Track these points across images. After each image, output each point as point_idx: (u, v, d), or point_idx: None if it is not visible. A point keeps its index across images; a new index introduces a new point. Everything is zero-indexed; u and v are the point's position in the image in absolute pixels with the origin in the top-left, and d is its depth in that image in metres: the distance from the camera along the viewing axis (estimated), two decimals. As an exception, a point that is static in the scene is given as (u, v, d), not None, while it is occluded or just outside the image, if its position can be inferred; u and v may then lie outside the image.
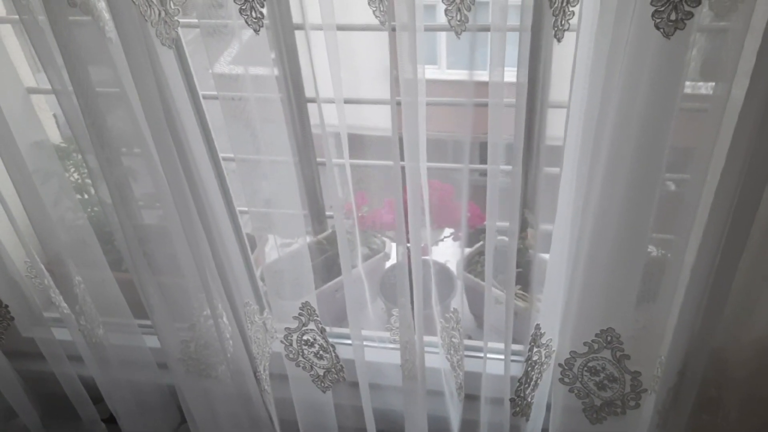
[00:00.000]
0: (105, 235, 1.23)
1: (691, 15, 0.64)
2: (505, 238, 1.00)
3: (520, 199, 0.93)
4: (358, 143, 1.16)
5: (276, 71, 0.92)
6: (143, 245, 1.09)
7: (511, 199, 0.91)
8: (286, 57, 1.17)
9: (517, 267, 1.00)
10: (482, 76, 0.83)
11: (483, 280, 1.25)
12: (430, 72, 0.83)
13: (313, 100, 1.14)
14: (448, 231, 1.34)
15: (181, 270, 1.11)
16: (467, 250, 1.35)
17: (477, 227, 1.27)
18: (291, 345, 1.13)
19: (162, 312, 1.15)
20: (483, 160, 0.92)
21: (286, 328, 1.11)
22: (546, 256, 0.99)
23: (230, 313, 1.16)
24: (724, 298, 0.86)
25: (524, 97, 0.79)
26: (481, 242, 1.38)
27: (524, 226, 1.17)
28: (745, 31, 0.67)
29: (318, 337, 1.11)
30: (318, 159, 1.35)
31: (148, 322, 1.24)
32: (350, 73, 0.94)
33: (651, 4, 0.64)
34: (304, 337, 1.11)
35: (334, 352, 1.13)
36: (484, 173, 0.97)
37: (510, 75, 0.78)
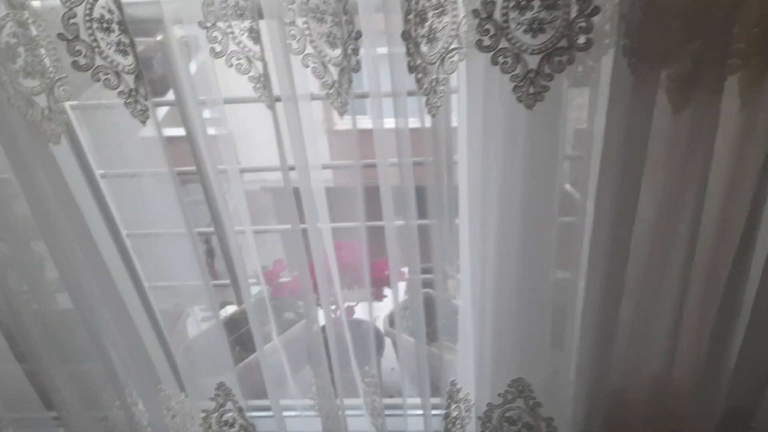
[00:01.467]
0: (9, 325, 1.18)
1: (547, 88, 0.69)
2: (430, 291, 1.03)
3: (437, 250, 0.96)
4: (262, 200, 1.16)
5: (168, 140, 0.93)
6: (51, 333, 1.05)
7: (410, 250, 0.93)
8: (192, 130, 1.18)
9: (442, 318, 1.03)
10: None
11: (410, 334, 1.27)
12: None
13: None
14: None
15: (90, 357, 1.07)
16: (391, 308, 1.37)
17: (387, 282, 1.28)
18: (210, 427, 1.11)
19: (74, 404, 1.11)
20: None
21: (204, 410, 1.09)
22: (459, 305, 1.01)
23: (146, 398, 1.13)
24: (613, 338, 0.91)
25: (408, 155, 0.83)
26: (406, 296, 1.39)
27: (445, 277, 1.19)
28: (597, 91, 0.73)
29: (237, 417, 1.09)
30: (237, 228, 1.35)
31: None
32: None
33: (510, 80, 0.69)
34: (223, 418, 1.10)
35: (255, 431, 1.12)
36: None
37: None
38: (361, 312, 1.28)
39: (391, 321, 1.39)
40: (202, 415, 1.09)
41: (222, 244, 1.38)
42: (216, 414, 1.09)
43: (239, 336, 1.42)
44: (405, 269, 1.10)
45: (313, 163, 0.88)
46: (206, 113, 0.89)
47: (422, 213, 0.92)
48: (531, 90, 0.69)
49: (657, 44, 0.66)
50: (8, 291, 1.02)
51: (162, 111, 1.25)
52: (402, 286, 1.14)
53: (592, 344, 0.93)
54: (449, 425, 1.07)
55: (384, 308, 1.41)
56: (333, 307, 1.05)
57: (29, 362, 1.19)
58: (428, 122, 0.79)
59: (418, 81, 0.71)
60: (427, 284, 1.04)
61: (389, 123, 0.81)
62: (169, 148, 0.87)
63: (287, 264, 1.38)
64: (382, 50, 0.74)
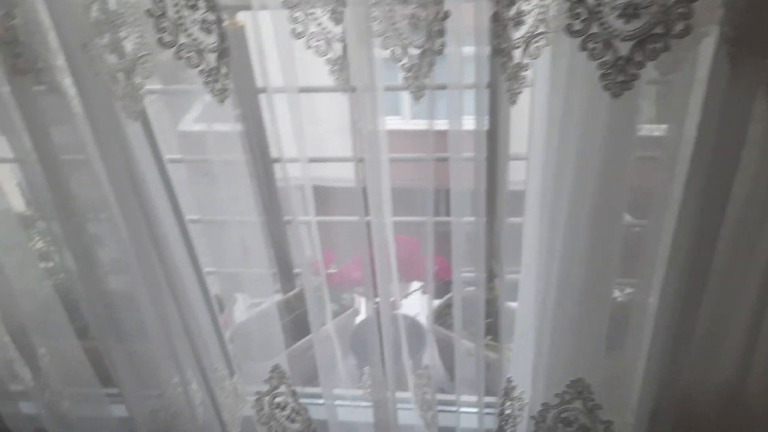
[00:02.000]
0: (71, 303, 1.21)
1: (637, 76, 0.67)
2: (473, 289, 1.01)
3: (485, 250, 0.94)
4: (324, 198, 1.17)
5: (239, 130, 0.94)
6: (110, 312, 1.07)
7: (476, 250, 0.92)
8: (252, 119, 1.19)
9: (488, 317, 1.01)
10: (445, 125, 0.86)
11: (453, 332, 1.25)
12: (395, 123, 0.86)
13: (277, 160, 1.16)
14: (415, 284, 1.35)
15: (148, 336, 1.09)
16: (436, 303, 1.36)
17: (445, 279, 1.28)
18: (262, 409, 1.11)
19: (130, 381, 1.12)
20: (445, 211, 0.94)
21: (257, 392, 1.09)
22: (515, 305, 1.00)
23: (200, 379, 1.14)
24: (688, 342, 0.88)
25: (483, 150, 0.82)
26: (450, 294, 1.39)
27: (492, 276, 1.18)
28: (691, 84, 0.71)
29: (290, 400, 1.09)
30: (286, 217, 1.36)
31: (116, 391, 1.21)
32: (313, 130, 0.97)
33: (598, 67, 0.67)
34: (276, 401, 1.10)
35: (307, 415, 1.12)
36: (448, 225, 0.99)
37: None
38: (405, 306, 1.28)
39: (434, 317, 1.39)
40: (255, 397, 1.10)
41: (274, 234, 1.39)
42: (269, 396, 1.09)
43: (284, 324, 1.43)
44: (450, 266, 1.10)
45: (377, 157, 0.87)
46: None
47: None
48: (619, 78, 0.67)
49: (762, 33, 0.63)
50: (69, 269, 1.04)
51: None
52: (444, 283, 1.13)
53: (662, 348, 0.90)
54: (502, 423, 1.06)
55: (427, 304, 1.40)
56: (389, 299, 1.05)
57: (90, 339, 1.22)
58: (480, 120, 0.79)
59: (503, 65, 0.71)
60: (473, 282, 1.03)
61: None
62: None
63: (337, 256, 1.39)
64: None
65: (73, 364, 1.21)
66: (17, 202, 1.41)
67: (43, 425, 1.27)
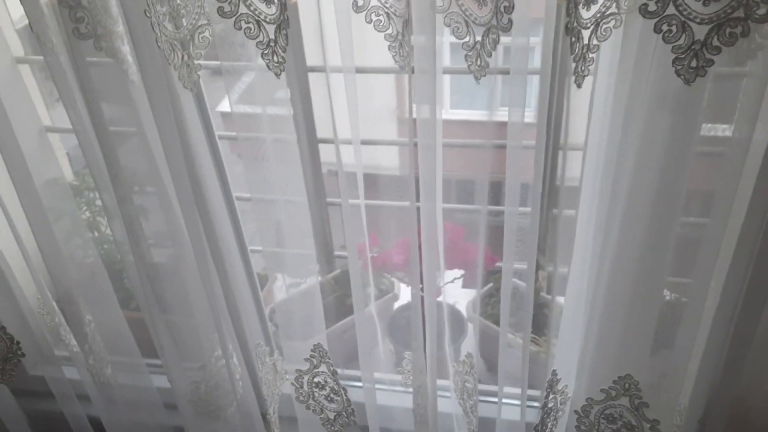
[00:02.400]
0: (115, 273, 1.22)
1: (712, 62, 0.64)
2: (516, 281, 0.99)
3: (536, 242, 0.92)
4: (369, 183, 1.16)
5: (292, 112, 0.93)
6: (155, 284, 1.08)
7: (528, 242, 0.90)
8: (300, 98, 1.18)
9: (529, 309, 0.99)
10: (483, 116, 0.84)
11: (494, 322, 1.24)
12: (426, 112, 0.84)
13: (324, 141, 1.15)
14: (452, 273, 1.33)
15: (191, 309, 1.10)
16: (476, 293, 1.34)
17: (488, 269, 1.26)
18: (302, 387, 1.11)
19: (173, 352, 1.14)
20: (492, 200, 0.92)
21: (297, 370, 1.09)
22: (561, 299, 0.98)
23: (240, 353, 1.15)
24: (747, 346, 0.85)
25: (543, 139, 0.80)
26: (490, 284, 1.37)
27: (537, 268, 1.16)
28: (765, 76, 0.67)
29: (329, 380, 1.09)
30: (327, 199, 1.35)
31: (156, 362, 1.23)
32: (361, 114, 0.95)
33: (672, 51, 0.64)
34: (315, 380, 1.10)
35: (346, 395, 1.11)
36: (494, 214, 0.97)
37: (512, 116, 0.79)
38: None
39: (474, 306, 1.37)
40: (294, 375, 1.10)
41: (316, 215, 1.39)
42: (308, 375, 1.09)
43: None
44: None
45: (432, 142, 0.85)
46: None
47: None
48: (693, 63, 0.64)
49: None
50: (117, 240, 1.05)
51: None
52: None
53: (718, 350, 0.87)
54: (544, 416, 1.04)
55: (467, 294, 1.39)
56: (435, 285, 1.03)
57: (133, 310, 1.24)
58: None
59: (571, 45, 0.68)
60: (519, 274, 1.00)
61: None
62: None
63: (380, 240, 1.38)
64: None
65: (117, 332, 1.23)
66: (66, 172, 1.44)
67: (85, 391, 1.29)
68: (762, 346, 0.87)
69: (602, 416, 1.01)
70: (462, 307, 1.36)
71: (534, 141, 0.81)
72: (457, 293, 1.33)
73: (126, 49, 0.83)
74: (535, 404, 1.14)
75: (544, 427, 1.05)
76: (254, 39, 0.76)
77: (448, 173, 0.96)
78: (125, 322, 1.22)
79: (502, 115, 0.83)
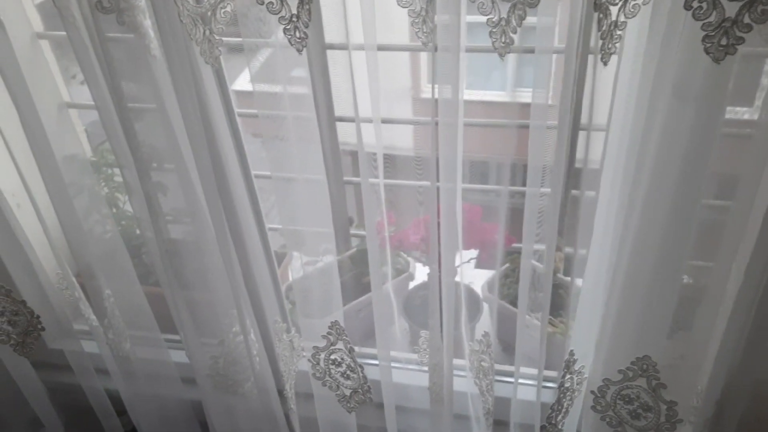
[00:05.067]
0: (134, 248, 1.23)
1: (742, 40, 0.63)
2: (533, 262, 0.99)
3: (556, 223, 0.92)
4: (386, 163, 1.16)
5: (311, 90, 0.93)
6: (175, 260, 1.09)
7: (549, 223, 0.90)
8: (319, 76, 1.17)
9: (545, 290, 0.99)
10: (498, 97, 0.83)
11: (509, 303, 1.23)
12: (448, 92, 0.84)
13: (342, 119, 1.14)
14: (468, 253, 1.33)
15: (209, 285, 1.11)
16: (492, 273, 1.34)
17: (505, 249, 1.26)
18: (318, 364, 1.12)
19: (191, 327, 1.15)
20: (510, 181, 0.92)
21: (314, 347, 1.10)
22: (579, 281, 0.97)
23: (257, 329, 1.16)
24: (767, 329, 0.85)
25: (566, 119, 0.79)
26: (507, 264, 1.36)
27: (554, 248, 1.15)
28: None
29: (346, 357, 1.10)
30: (345, 178, 1.35)
31: (174, 337, 1.24)
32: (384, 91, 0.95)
33: (702, 28, 0.63)
34: (332, 357, 1.11)
35: (362, 373, 1.12)
36: (510, 195, 0.96)
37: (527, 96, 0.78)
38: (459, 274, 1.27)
39: (491, 287, 1.37)
40: (311, 352, 1.11)
41: (333, 194, 1.39)
42: (325, 352, 1.10)
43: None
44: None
45: (455, 121, 0.84)
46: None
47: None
48: (723, 41, 0.63)
49: None
50: (137, 216, 1.06)
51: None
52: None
53: (738, 333, 0.87)
54: (561, 395, 1.04)
55: (481, 274, 1.39)
56: (453, 265, 1.03)
57: (152, 285, 1.25)
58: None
59: (599, 22, 0.67)
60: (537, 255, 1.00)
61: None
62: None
63: (396, 219, 1.37)
64: None
65: (135, 307, 1.24)
66: (86, 148, 1.45)
67: (104, 364, 1.31)
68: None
69: (619, 397, 1.01)
70: (477, 287, 1.35)
71: (555, 121, 0.81)
72: (471, 273, 1.33)
73: (148, 23, 0.83)
74: (551, 384, 1.15)
75: (560, 407, 1.05)
76: (276, 14, 0.76)
77: (465, 154, 0.96)
78: (144, 297, 1.23)
79: (520, 95, 0.83)
